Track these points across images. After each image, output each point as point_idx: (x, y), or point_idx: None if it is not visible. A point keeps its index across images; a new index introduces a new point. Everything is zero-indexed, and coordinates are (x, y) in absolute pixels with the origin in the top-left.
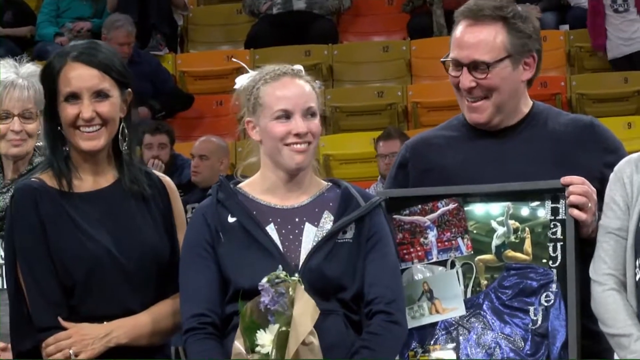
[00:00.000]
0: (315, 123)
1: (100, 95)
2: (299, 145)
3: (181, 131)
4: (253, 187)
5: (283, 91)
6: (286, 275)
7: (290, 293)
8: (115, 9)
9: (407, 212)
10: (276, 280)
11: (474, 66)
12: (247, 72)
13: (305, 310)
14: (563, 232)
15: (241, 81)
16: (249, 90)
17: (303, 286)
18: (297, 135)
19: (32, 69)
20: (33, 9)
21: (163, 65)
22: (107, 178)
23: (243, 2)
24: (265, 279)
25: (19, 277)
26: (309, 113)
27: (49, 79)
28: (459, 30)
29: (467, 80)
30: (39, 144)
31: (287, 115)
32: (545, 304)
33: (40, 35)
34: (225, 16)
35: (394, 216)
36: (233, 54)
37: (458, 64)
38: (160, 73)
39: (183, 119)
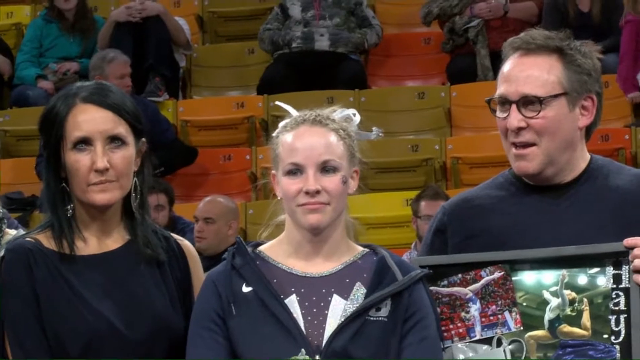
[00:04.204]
0: (333, 180)
1: (115, 141)
2: (311, 205)
3: (183, 190)
4: (276, 250)
5: (296, 142)
6: None
7: None
8: (107, 47)
9: (446, 282)
10: None
11: (524, 102)
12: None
13: None
14: (627, 303)
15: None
16: (273, 140)
17: None
18: (307, 193)
19: None
20: (12, 47)
21: (162, 113)
22: (116, 240)
23: (260, 35)
24: None
25: (6, 349)
26: (325, 168)
27: (54, 125)
28: (508, 63)
29: (515, 119)
30: None
31: (298, 170)
32: None
33: (19, 77)
34: (234, 56)
35: (430, 288)
36: (243, 100)
37: (505, 101)
38: (158, 122)
39: (185, 176)
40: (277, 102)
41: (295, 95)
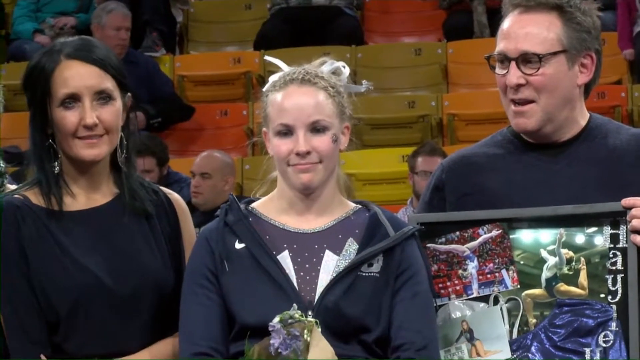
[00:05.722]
0: (323, 140)
1: (102, 96)
2: (302, 166)
3: (179, 145)
4: (268, 206)
5: (285, 102)
6: (301, 316)
7: (305, 336)
8: (103, 2)
9: (443, 240)
10: (289, 321)
11: (523, 59)
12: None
13: (321, 358)
14: (624, 263)
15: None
16: (263, 97)
17: (320, 329)
18: (298, 154)
19: None
20: (8, 2)
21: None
22: (104, 194)
23: None
24: (277, 319)
25: None
26: (315, 128)
27: (39, 82)
28: (508, 20)
29: (514, 76)
30: None
31: (288, 130)
32: (604, 345)
33: (16, 32)
34: (231, 12)
35: (428, 245)
36: (240, 55)
37: (505, 59)
38: (158, 77)
39: (181, 131)
40: (266, 57)
41: (291, 51)
